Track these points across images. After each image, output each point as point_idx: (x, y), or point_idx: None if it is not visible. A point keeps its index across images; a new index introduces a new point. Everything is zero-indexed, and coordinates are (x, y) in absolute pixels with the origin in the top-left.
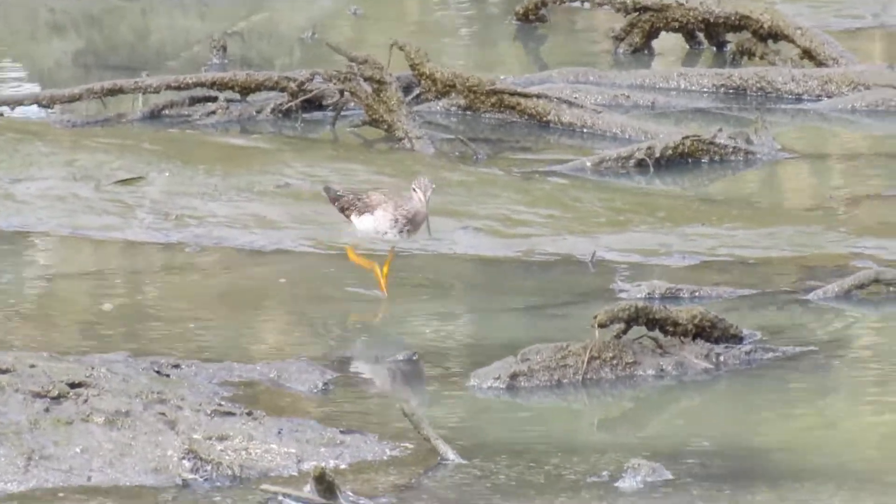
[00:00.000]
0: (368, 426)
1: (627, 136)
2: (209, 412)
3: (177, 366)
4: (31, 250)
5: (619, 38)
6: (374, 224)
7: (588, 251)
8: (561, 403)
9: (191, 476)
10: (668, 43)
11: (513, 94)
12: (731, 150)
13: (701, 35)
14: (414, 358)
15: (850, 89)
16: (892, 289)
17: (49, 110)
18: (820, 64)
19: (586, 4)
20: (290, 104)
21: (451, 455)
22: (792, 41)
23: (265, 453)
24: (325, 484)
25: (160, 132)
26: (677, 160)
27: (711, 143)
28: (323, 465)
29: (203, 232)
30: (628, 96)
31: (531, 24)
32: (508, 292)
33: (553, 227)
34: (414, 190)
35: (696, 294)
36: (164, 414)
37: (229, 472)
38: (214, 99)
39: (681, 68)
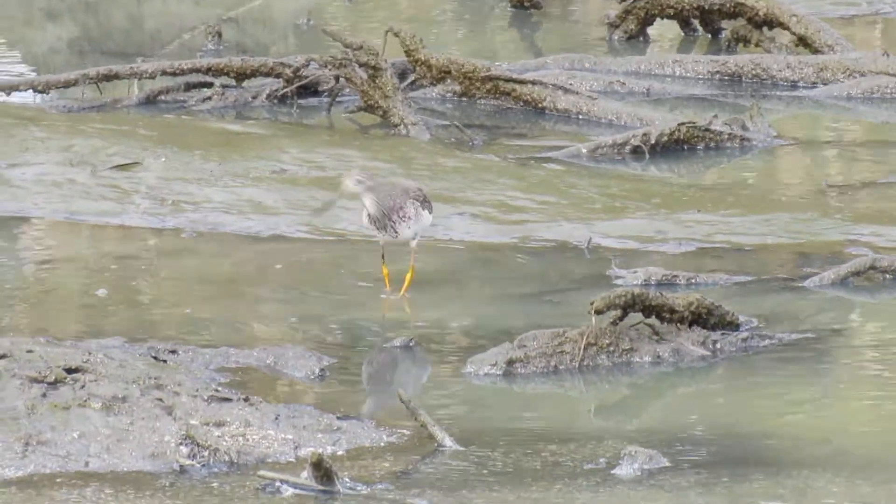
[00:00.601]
0: (365, 412)
1: (623, 123)
2: (206, 398)
3: (174, 351)
4: (27, 236)
5: (614, 25)
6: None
7: (584, 237)
8: (557, 390)
9: (188, 462)
10: (663, 30)
11: (508, 80)
12: (726, 136)
13: (696, 22)
14: (411, 344)
15: (846, 76)
16: (887, 276)
17: (45, 96)
18: (815, 51)
19: None
20: (285, 90)
21: (448, 441)
22: (787, 28)
23: (262, 439)
24: (322, 470)
25: (156, 118)
26: (673, 147)
27: (707, 129)
28: (320, 451)
29: (199, 217)
30: (623, 83)
31: (526, 10)
32: (504, 278)
33: (549, 214)
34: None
35: (693, 281)
36: (161, 400)
37: (226, 458)
38: (210, 85)
39: (676, 55)
